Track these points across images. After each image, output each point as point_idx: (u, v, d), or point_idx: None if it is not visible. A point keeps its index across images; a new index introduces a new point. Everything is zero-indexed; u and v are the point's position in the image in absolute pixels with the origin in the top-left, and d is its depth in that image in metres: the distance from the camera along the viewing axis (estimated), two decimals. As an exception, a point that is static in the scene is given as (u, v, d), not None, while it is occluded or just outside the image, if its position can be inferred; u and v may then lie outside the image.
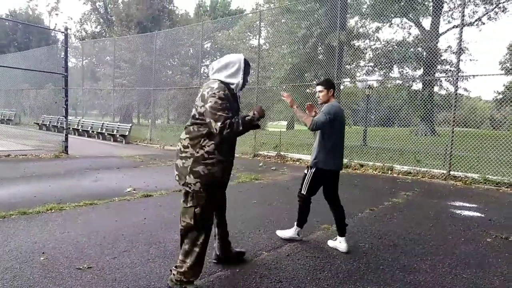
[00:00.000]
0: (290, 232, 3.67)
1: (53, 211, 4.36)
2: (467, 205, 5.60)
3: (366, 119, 14.69)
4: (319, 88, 3.44)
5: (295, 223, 3.66)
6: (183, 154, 2.48)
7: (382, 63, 13.76)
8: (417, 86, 14.14)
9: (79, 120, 18.00)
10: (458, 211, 5.16)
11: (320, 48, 13.78)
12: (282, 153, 11.06)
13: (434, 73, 12.78)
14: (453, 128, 7.91)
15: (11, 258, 2.93)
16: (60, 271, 2.75)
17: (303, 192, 3.53)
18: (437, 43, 13.64)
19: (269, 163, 10.02)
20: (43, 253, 3.06)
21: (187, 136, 2.50)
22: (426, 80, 12.33)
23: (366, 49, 14.40)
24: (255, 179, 7.23)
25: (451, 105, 8.04)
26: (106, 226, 3.86)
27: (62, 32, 10.81)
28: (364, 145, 13.15)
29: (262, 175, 7.78)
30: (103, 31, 37.42)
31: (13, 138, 13.21)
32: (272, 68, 15.13)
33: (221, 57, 2.71)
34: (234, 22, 20.53)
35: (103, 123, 16.55)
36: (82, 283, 2.57)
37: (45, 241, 3.34)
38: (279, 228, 4.01)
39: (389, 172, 8.62)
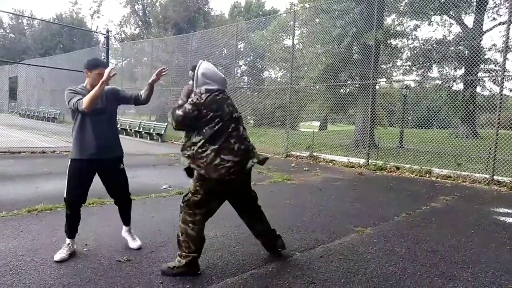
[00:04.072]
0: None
1: (94, 205, 4.58)
2: (512, 212, 5.30)
3: (402, 120, 14.23)
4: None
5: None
6: None
7: (420, 63, 13.26)
8: (458, 86, 13.50)
9: (118, 119, 18.70)
10: (502, 218, 4.89)
11: (355, 47, 13.49)
12: (314, 153, 10.95)
13: (477, 72, 12.15)
14: (497, 131, 7.50)
15: (57, 248, 3.09)
16: (102, 262, 2.89)
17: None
18: (480, 41, 12.96)
19: (301, 163, 9.96)
20: (86, 244, 3.23)
21: None
22: (468, 80, 11.76)
23: (403, 48, 13.95)
24: (287, 179, 7.22)
25: (496, 107, 7.63)
26: (143, 221, 4.01)
27: (103, 34, 11.32)
28: (400, 147, 12.75)
29: (294, 175, 7.75)
30: (141, 33, 38.67)
31: (58, 135, 13.99)
32: (305, 68, 15.00)
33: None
34: (268, 22, 20.57)
35: (140, 122, 17.12)
36: (121, 274, 2.69)
37: (87, 233, 3.51)
38: (311, 229, 3.99)
39: (427, 175, 8.31)
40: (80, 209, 3.09)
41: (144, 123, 16.99)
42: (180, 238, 2.73)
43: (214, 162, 2.61)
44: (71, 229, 3.06)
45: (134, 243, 3.20)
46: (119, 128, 17.72)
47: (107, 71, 2.85)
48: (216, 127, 2.64)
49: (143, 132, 16.32)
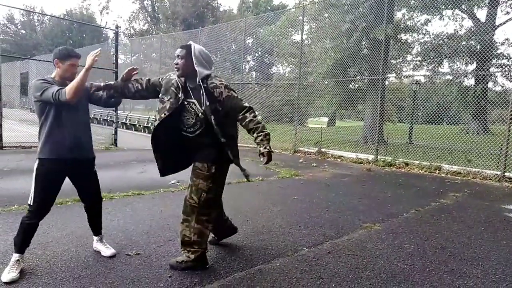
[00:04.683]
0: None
1: (104, 199, 4.56)
2: (524, 209, 5.22)
3: (412, 116, 14.09)
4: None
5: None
6: None
7: (431, 58, 13.09)
8: (469, 81, 13.30)
9: (127, 115, 18.85)
10: (514, 215, 4.82)
11: (364, 42, 13.36)
12: (322, 149, 10.91)
13: (489, 67, 11.95)
14: (509, 127, 7.39)
15: (68, 242, 3.15)
16: (111, 255, 2.92)
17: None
18: (493, 35, 12.73)
19: (310, 159, 9.94)
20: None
21: None
22: (479, 75, 11.59)
23: (413, 43, 13.78)
24: (295, 175, 7.21)
25: (508, 102, 7.51)
26: (152, 216, 4.04)
27: (113, 30, 11.36)
28: (409, 143, 12.64)
29: (302, 171, 7.73)
30: (150, 28, 38.84)
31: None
32: (314, 63, 14.92)
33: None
34: (277, 17, 20.44)
35: (149, 118, 17.22)
36: (131, 268, 2.72)
37: (97, 227, 3.55)
38: (319, 225, 3.99)
39: (437, 171, 8.22)
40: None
41: (153, 118, 17.08)
42: (192, 238, 2.69)
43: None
44: (24, 243, 2.60)
45: (108, 251, 2.91)
46: (128, 124, 17.87)
47: (91, 56, 2.56)
48: None
49: (151, 128, 16.42)
